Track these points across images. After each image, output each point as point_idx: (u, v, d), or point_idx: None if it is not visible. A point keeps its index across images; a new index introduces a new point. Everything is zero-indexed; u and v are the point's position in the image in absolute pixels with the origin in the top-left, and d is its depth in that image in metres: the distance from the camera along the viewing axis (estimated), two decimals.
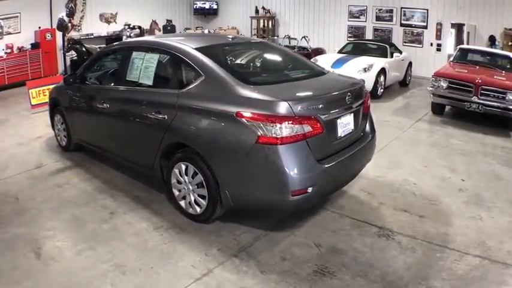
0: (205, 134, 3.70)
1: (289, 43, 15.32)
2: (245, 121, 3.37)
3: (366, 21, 15.88)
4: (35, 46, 10.87)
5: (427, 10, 14.46)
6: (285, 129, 3.28)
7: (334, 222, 4.29)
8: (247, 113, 3.36)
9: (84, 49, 11.29)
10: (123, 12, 13.31)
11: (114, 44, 5.75)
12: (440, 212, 4.60)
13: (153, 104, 4.30)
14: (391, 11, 15.28)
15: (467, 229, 4.27)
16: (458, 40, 14.31)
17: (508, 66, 9.48)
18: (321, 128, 3.61)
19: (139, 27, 13.52)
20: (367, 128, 4.64)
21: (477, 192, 5.20)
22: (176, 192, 4.29)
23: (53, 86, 6.81)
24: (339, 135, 3.96)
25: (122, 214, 4.59)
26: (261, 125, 3.29)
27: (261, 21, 17.49)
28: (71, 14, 11.71)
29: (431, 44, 14.54)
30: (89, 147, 5.98)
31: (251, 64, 4.86)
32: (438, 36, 14.49)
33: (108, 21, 12.91)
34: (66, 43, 11.37)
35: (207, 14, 17.78)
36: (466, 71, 9.01)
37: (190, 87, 3.96)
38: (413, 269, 3.55)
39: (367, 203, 4.70)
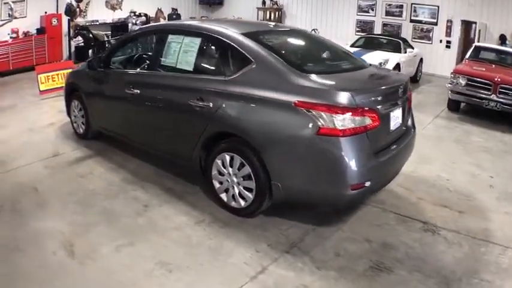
0: (258, 123, 3.47)
1: None
2: (305, 111, 3.19)
3: (375, 15, 15.59)
4: (40, 31, 10.38)
5: (438, 7, 14.22)
6: (347, 121, 3.14)
7: (378, 217, 4.14)
8: (307, 102, 3.18)
9: (91, 35, 10.86)
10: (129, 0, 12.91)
11: (145, 26, 5.41)
12: (476, 208, 4.55)
13: (194, 90, 4.01)
14: (401, 6, 15.00)
15: (505, 224, 4.23)
16: (465, 38, 14.16)
17: None
18: (379, 121, 3.45)
19: (146, 15, 13.09)
20: (409, 123, 4.47)
21: (506, 189, 5.14)
22: (217, 185, 4.03)
23: (69, 71, 6.37)
24: (391, 128, 3.84)
25: (157, 207, 4.24)
26: (323, 115, 3.13)
27: (268, 12, 17.11)
28: None
29: (441, 41, 14.34)
30: (111, 135, 5.56)
31: (298, 52, 4.53)
32: (448, 33, 14.30)
33: (113, 8, 12.44)
34: (73, 29, 10.90)
35: (212, 4, 17.38)
36: (484, 69, 8.96)
37: (239, 74, 3.73)
38: (463, 264, 3.50)
39: (406, 198, 4.57)
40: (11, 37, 9.93)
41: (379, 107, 3.50)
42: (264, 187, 3.57)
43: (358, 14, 15.90)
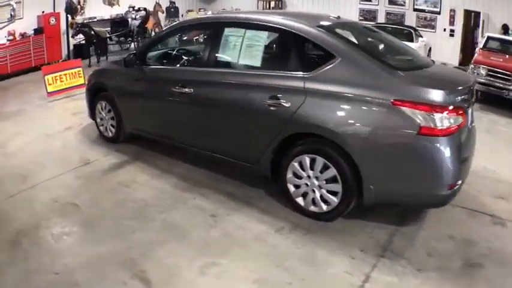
0: (349, 124, 3.20)
1: None
2: (405, 110, 2.97)
3: (378, 4, 15.05)
4: (38, 31, 9.53)
5: None
6: (445, 120, 2.98)
7: (450, 212, 3.80)
8: (407, 101, 2.98)
9: (93, 32, 10.00)
10: None
11: (192, 19, 4.74)
12: None
13: (265, 88, 3.60)
14: None
15: None
16: (466, 27, 13.85)
17: None
18: (465, 119, 3.28)
19: (145, 9, 12.29)
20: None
21: None
22: (292, 188, 3.65)
23: (94, 69, 5.56)
24: (469, 126, 3.61)
25: (225, 216, 3.65)
26: (424, 114, 2.95)
27: (268, 2, 16.42)
28: None
29: (444, 30, 13.95)
30: (150, 138, 4.85)
31: (375, 47, 4.02)
32: (451, 22, 13.97)
33: (111, 4, 11.61)
34: (74, 27, 10.05)
35: None
36: (502, 59, 8.92)
37: (322, 70, 3.40)
38: None
39: (466, 191, 4.07)
40: (7, 40, 9.05)
41: (465, 105, 3.32)
42: (352, 190, 3.30)
43: (361, 2, 15.34)
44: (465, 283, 2.91)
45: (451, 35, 13.87)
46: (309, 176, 3.50)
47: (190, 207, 3.79)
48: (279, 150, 3.66)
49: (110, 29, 10.92)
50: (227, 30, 4.01)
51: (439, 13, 14.03)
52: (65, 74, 7.36)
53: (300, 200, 3.63)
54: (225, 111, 3.95)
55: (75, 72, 7.51)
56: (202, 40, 5.01)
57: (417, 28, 13.71)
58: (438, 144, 2.98)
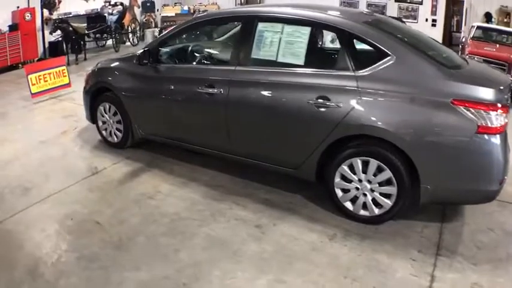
0: (407, 124, 3.08)
1: None
2: (463, 109, 2.94)
3: None
4: (13, 28, 8.66)
5: None
6: (499, 118, 2.97)
7: (480, 206, 3.59)
8: (466, 100, 2.95)
9: (71, 28, 9.24)
10: None
11: (216, 13, 4.31)
12: None
13: (312, 88, 3.35)
14: None
15: None
16: (446, 16, 13.92)
17: None
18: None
19: (122, 4, 11.58)
20: None
21: None
22: (340, 193, 3.44)
23: (93, 68, 4.98)
24: None
25: (271, 226, 3.34)
26: (482, 113, 2.93)
27: None
28: None
29: (426, 20, 13.91)
30: (169, 143, 4.38)
31: (421, 44, 3.70)
32: (433, 12, 13.97)
33: None
34: (52, 23, 9.28)
35: None
36: (494, 49, 8.91)
37: (374, 69, 3.22)
38: None
39: None
40: None
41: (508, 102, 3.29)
42: (408, 191, 3.19)
43: None
44: None
45: (433, 25, 13.73)
46: (360, 180, 3.30)
47: (230, 219, 3.40)
48: (327, 154, 3.37)
49: (86, 24, 10.14)
50: (261, 25, 3.65)
51: (421, 3, 13.99)
52: (49, 73, 6.67)
53: (348, 205, 3.42)
54: (263, 113, 3.58)
55: (59, 71, 6.84)
56: (227, 36, 4.50)
57: (403, 20, 13.66)
58: (493, 142, 2.98)
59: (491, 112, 2.92)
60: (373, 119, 3.13)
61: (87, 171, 4.24)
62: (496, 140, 2.97)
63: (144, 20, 13.43)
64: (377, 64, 3.21)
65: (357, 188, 3.33)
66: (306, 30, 3.51)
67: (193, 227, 3.26)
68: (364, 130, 3.19)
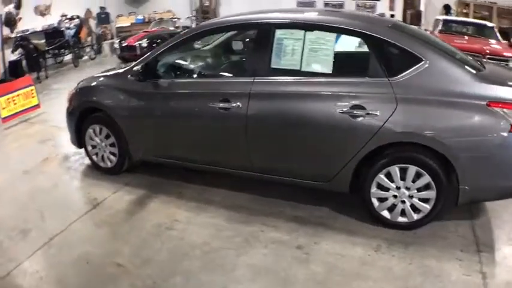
0: (447, 129, 3.04)
1: None
2: (498, 110, 2.97)
3: None
4: None
5: None
6: None
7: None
8: (500, 102, 2.99)
9: (32, 46, 8.53)
10: (56, 3, 10.57)
11: (224, 20, 3.94)
12: None
13: (345, 97, 3.19)
14: None
15: None
16: (404, 10, 14.29)
17: (488, 34, 9.87)
18: None
19: (78, 17, 10.90)
20: None
21: None
22: (376, 203, 3.31)
23: (77, 87, 4.48)
24: None
25: (313, 245, 3.13)
26: None
27: (202, 1, 15.76)
28: (18, 6, 9.13)
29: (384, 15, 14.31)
30: (177, 165, 4.02)
31: (442, 47, 3.65)
32: (391, 8, 14.31)
33: (42, 14, 10.10)
34: (13, 41, 8.54)
35: None
36: (465, 41, 9.10)
37: (409, 74, 3.12)
38: None
39: None
40: None
41: None
42: (446, 194, 3.15)
43: None
44: None
45: None
46: (398, 187, 3.19)
47: (267, 243, 3.12)
48: (365, 164, 3.21)
49: (44, 41, 9.44)
50: (279, 33, 3.39)
51: None
52: (18, 95, 6.05)
53: (385, 213, 3.31)
54: (289, 126, 3.33)
55: (27, 92, 6.22)
56: (238, 45, 4.18)
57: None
58: None
59: None
60: (413, 125, 3.05)
61: (86, 203, 3.78)
62: None
63: (100, 32, 12.77)
64: (411, 70, 3.11)
65: (395, 196, 3.22)
66: (332, 37, 3.31)
67: (231, 257, 2.94)
68: (404, 137, 3.09)
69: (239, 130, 3.45)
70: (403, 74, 3.11)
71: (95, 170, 4.40)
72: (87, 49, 11.31)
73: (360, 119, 3.11)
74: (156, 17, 15.05)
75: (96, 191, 4.00)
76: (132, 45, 11.31)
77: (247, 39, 4.13)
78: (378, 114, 3.07)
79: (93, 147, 4.32)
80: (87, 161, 4.53)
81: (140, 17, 14.90)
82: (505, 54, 8.34)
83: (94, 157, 4.37)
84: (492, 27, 10.11)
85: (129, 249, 3.08)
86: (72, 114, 4.38)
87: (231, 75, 3.76)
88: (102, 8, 12.85)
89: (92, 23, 12.29)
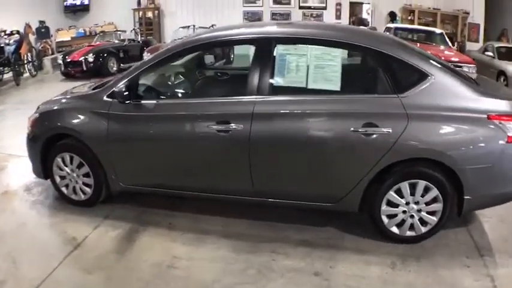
0: (453, 142, 3.09)
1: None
2: (497, 122, 3.07)
3: (262, 5, 14.97)
4: None
5: None
6: None
7: None
8: (498, 114, 3.09)
9: None
10: None
11: (216, 35, 3.67)
12: None
13: (356, 115, 3.10)
14: None
15: None
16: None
17: (438, 41, 10.27)
18: None
19: (18, 32, 9.98)
20: None
21: None
22: (386, 220, 3.25)
23: (39, 111, 3.96)
24: None
25: (329, 269, 2.98)
26: (510, 124, 3.07)
27: (145, 12, 15.25)
28: None
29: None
30: (166, 193, 3.67)
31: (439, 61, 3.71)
32: (338, 16, 14.62)
33: None
34: None
35: (77, 11, 14.50)
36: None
37: (417, 90, 3.11)
38: None
39: None
40: None
41: None
42: (453, 205, 3.19)
43: (245, 5, 15.07)
44: None
45: None
46: (407, 203, 3.16)
47: (282, 272, 2.90)
48: (377, 182, 3.13)
49: None
50: (281, 48, 3.20)
51: (325, 8, 14.50)
52: None
53: (394, 229, 3.26)
54: (296, 147, 3.14)
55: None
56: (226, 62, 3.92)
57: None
58: None
59: None
60: (424, 141, 3.04)
61: (65, 244, 3.29)
62: None
63: (40, 47, 11.85)
64: (419, 85, 3.09)
65: (404, 212, 3.18)
66: (338, 53, 3.19)
67: None
68: (416, 153, 3.07)
69: (240, 153, 3.18)
70: (412, 90, 3.08)
71: (66, 203, 3.88)
72: (28, 66, 10.42)
73: (373, 136, 3.01)
74: (97, 30, 14.31)
75: (72, 228, 3.51)
76: (77, 61, 10.59)
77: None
78: (391, 131, 2.99)
79: (62, 178, 3.82)
80: (53, 192, 4.00)
81: (81, 30, 14.06)
82: (458, 60, 8.57)
83: (64, 189, 3.86)
84: (442, 34, 10.51)
85: None
86: (35, 141, 3.84)
87: (228, 94, 3.46)
88: (41, 22, 11.94)
89: (32, 38, 11.36)
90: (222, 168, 3.33)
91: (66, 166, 3.75)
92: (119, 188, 3.69)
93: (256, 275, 2.85)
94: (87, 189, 3.76)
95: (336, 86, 3.14)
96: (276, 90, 3.21)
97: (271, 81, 3.19)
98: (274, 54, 3.20)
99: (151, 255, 3.11)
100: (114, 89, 3.43)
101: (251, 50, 3.50)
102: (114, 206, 3.81)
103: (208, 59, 4.61)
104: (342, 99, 3.15)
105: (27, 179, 4.34)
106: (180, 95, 3.82)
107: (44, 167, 3.88)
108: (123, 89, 3.33)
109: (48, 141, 3.78)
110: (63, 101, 3.92)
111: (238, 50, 7.66)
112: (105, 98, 3.53)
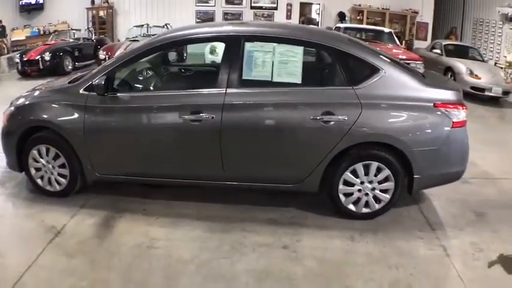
0: (404, 128, 3.42)
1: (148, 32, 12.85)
2: (443, 110, 3.39)
3: (214, 5, 15.10)
4: None
5: None
6: (462, 113, 3.48)
7: None
8: (443, 103, 3.42)
9: None
10: None
11: (185, 32, 3.79)
12: None
13: (316, 105, 3.38)
14: None
15: None
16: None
17: (387, 39, 10.66)
18: None
19: None
20: None
21: None
22: (343, 198, 3.56)
23: (17, 103, 3.93)
24: None
25: (296, 243, 3.24)
26: (454, 111, 3.42)
27: (98, 11, 14.98)
28: None
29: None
30: (141, 181, 3.81)
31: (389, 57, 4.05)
32: (289, 16, 14.99)
33: None
34: None
35: (32, 10, 13.97)
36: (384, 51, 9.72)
37: (370, 82, 3.42)
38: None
39: None
40: None
41: None
42: (402, 184, 3.52)
43: (198, 4, 15.15)
44: (490, 228, 3.58)
45: None
46: (362, 182, 3.46)
47: (254, 247, 3.15)
48: (334, 164, 3.43)
49: None
50: (249, 45, 3.43)
51: (276, 8, 14.83)
52: None
53: (351, 206, 3.56)
54: (263, 134, 3.41)
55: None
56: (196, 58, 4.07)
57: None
58: (463, 132, 3.50)
59: (460, 109, 3.44)
60: (376, 126, 3.35)
61: (45, 232, 3.34)
62: (464, 130, 3.50)
63: None
64: (372, 78, 3.41)
65: (359, 190, 3.49)
66: (299, 50, 3.44)
67: (227, 266, 2.88)
68: (369, 138, 3.38)
69: (212, 141, 3.39)
70: (365, 82, 3.40)
71: (41, 194, 3.91)
72: None
73: (330, 124, 3.31)
74: (50, 29, 13.87)
75: (50, 217, 3.56)
76: (33, 59, 10.27)
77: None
78: (346, 118, 3.29)
79: (37, 170, 3.85)
80: (27, 185, 4.02)
81: (35, 29, 13.58)
82: (405, 57, 8.98)
83: (39, 181, 3.88)
84: (390, 33, 10.98)
85: (116, 276, 2.82)
86: (11, 135, 3.83)
87: (200, 86, 3.62)
88: None
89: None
90: (195, 155, 3.52)
91: (42, 158, 3.78)
92: (94, 178, 3.77)
93: (230, 250, 3.08)
94: (63, 180, 3.81)
95: (298, 79, 3.41)
96: (244, 83, 3.43)
97: (238, 75, 3.41)
98: (242, 50, 3.42)
99: (130, 238, 3.25)
100: (92, 82, 3.51)
101: (206, 48, 3.71)
102: (89, 196, 3.88)
103: (172, 56, 4.76)
104: (303, 91, 3.42)
105: None
106: (152, 88, 3.96)
107: (19, 160, 3.89)
108: (102, 82, 3.42)
109: (24, 135, 3.79)
110: (39, 95, 3.94)
111: (191, 48, 7.85)
112: (81, 91, 3.61)
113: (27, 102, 3.89)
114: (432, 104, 3.39)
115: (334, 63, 3.52)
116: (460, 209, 3.90)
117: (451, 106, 3.40)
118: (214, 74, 3.52)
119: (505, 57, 12.24)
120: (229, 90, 3.37)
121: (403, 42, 13.16)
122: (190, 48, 7.74)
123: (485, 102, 9.15)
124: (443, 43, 11.26)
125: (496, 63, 12.48)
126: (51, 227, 3.42)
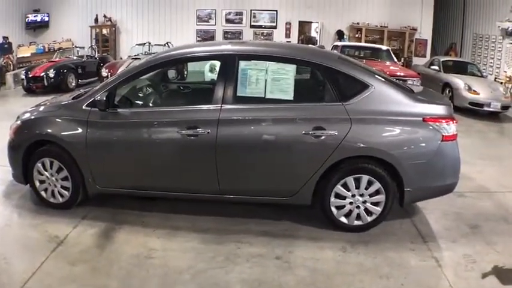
0: (394, 142, 3.52)
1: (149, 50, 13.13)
2: (433, 124, 3.48)
3: (215, 24, 15.42)
4: None
5: (276, 11, 14.99)
6: (453, 127, 3.56)
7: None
8: (433, 117, 3.51)
9: None
10: None
11: (185, 51, 4.00)
12: None
13: (307, 120, 3.51)
14: (240, 13, 15.24)
15: None
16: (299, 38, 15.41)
17: (384, 57, 10.76)
18: None
19: None
20: None
21: None
22: (335, 210, 3.65)
23: (21, 119, 4.12)
24: None
25: (289, 254, 3.34)
26: (444, 126, 3.50)
27: (101, 30, 15.35)
28: None
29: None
30: (139, 194, 3.96)
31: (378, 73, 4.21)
32: (288, 35, 15.26)
33: None
34: None
35: (37, 28, 14.30)
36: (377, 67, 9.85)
37: (360, 98, 3.54)
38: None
39: None
40: None
41: None
42: (394, 197, 3.58)
43: (198, 24, 15.49)
44: (485, 241, 3.62)
45: None
46: (353, 195, 3.56)
47: (247, 257, 3.28)
48: (326, 177, 3.54)
49: None
50: (244, 64, 3.61)
51: (275, 27, 15.13)
52: None
53: (343, 219, 3.65)
54: (257, 149, 3.56)
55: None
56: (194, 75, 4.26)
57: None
58: (453, 146, 3.58)
59: (450, 124, 3.53)
60: (366, 141, 3.46)
61: (49, 241, 3.49)
62: (455, 144, 3.59)
63: (3, 63, 11.62)
64: (361, 94, 3.54)
65: (351, 203, 3.59)
66: (291, 68, 3.63)
67: (221, 276, 3.02)
68: (358, 152, 3.49)
69: (208, 155, 3.54)
70: (355, 98, 3.53)
71: (45, 206, 4.05)
72: None
73: (321, 138, 3.45)
74: (55, 46, 14.21)
75: (53, 228, 3.71)
76: (38, 76, 10.52)
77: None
78: (337, 133, 3.43)
79: (41, 182, 4.01)
80: (31, 197, 4.18)
81: (41, 46, 13.90)
82: (403, 74, 9.10)
83: (43, 193, 4.04)
84: (387, 50, 11.09)
85: (116, 282, 2.97)
86: (18, 148, 4.01)
87: (197, 103, 3.80)
88: (5, 37, 11.74)
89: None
90: (191, 169, 3.68)
91: (46, 171, 3.94)
92: (95, 191, 3.93)
93: (225, 261, 3.21)
94: (65, 192, 3.97)
95: (290, 96, 3.58)
96: (239, 99, 3.60)
97: (233, 91, 3.58)
98: (236, 68, 3.59)
99: (129, 248, 3.40)
100: (95, 98, 3.68)
101: (206, 66, 3.89)
102: (90, 208, 4.04)
103: (171, 74, 4.93)
104: (294, 107, 3.58)
105: (4, 186, 4.47)
106: (152, 104, 4.15)
107: (24, 173, 4.04)
108: (104, 98, 3.60)
109: (29, 148, 3.95)
110: (44, 110, 4.12)
111: (192, 66, 8.07)
112: (84, 107, 3.80)
113: (32, 117, 4.08)
114: (421, 119, 3.49)
115: (325, 80, 3.68)
116: (454, 221, 3.97)
117: (441, 120, 3.50)
118: (210, 91, 3.68)
119: (505, 72, 12.27)
120: (225, 106, 3.54)
121: (402, 59, 13.22)
122: (191, 66, 7.94)
123: (484, 118, 9.23)
124: (442, 59, 11.36)
125: (496, 78, 12.58)
126: (54, 236, 3.58)
